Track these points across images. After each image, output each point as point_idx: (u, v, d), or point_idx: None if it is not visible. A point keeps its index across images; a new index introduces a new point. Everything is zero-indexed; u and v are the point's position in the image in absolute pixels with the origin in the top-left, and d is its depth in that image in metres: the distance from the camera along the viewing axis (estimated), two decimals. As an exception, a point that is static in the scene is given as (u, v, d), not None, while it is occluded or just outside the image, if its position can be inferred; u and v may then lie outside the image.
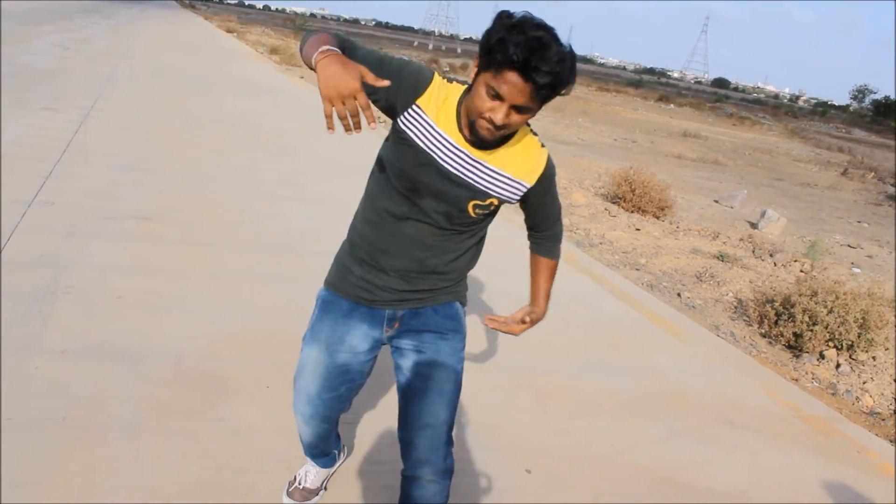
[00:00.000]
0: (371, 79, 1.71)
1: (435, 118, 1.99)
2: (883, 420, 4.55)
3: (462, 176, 2.01)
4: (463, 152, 2.00)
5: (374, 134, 11.99)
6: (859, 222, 16.01)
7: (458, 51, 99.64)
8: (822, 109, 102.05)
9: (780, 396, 4.42)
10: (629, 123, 31.70)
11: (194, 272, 4.75)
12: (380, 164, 2.14)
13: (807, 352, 5.31)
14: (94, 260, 4.63)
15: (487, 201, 2.06)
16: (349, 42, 1.99)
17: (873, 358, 5.41)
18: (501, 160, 2.03)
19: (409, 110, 2.00)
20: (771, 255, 8.37)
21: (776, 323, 5.49)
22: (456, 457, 3.10)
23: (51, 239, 4.79)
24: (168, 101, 11.98)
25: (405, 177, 2.03)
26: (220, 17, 58.60)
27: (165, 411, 3.16)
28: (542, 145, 2.11)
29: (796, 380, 4.89)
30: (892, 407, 4.85)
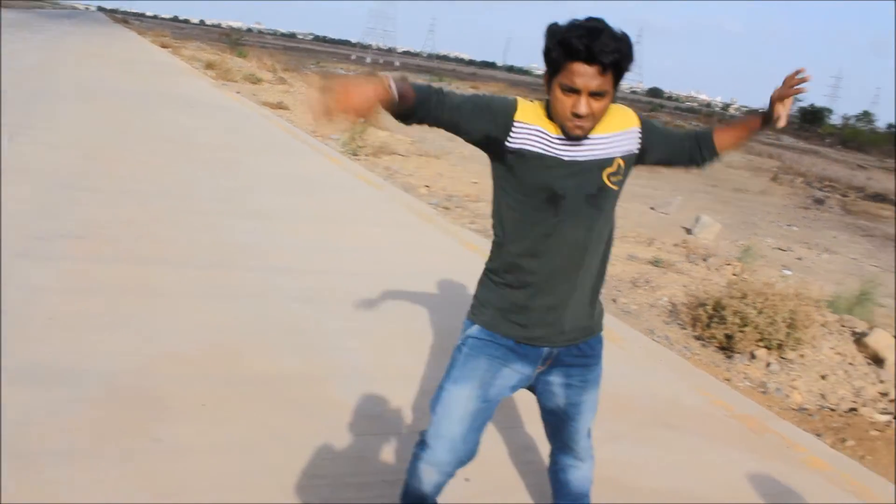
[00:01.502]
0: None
1: (538, 124, 2.11)
2: (811, 415, 4.70)
3: (585, 157, 2.12)
4: (571, 141, 2.10)
5: (310, 151, 11.97)
6: (789, 226, 16.48)
7: (396, 64, 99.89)
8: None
9: (713, 396, 4.54)
10: (566, 133, 32.07)
11: (129, 290, 4.68)
12: (502, 201, 2.22)
13: (738, 352, 5.46)
14: (26, 281, 4.54)
15: (615, 164, 2.16)
16: (435, 91, 2.07)
17: (801, 356, 5.58)
18: (602, 127, 2.13)
19: (512, 128, 2.10)
20: (704, 260, 8.58)
21: (708, 325, 5.64)
22: (394, 466, 3.14)
23: (-22, 261, 4.68)
24: (102, 117, 11.77)
25: (539, 186, 2.12)
26: (154, 31, 57.83)
27: (100, 434, 3.11)
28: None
29: (729, 380, 5.02)
30: (819, 402, 5.01)
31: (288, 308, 4.83)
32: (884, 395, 5.32)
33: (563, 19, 2.04)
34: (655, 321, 5.95)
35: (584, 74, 1.95)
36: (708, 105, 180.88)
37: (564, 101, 2.01)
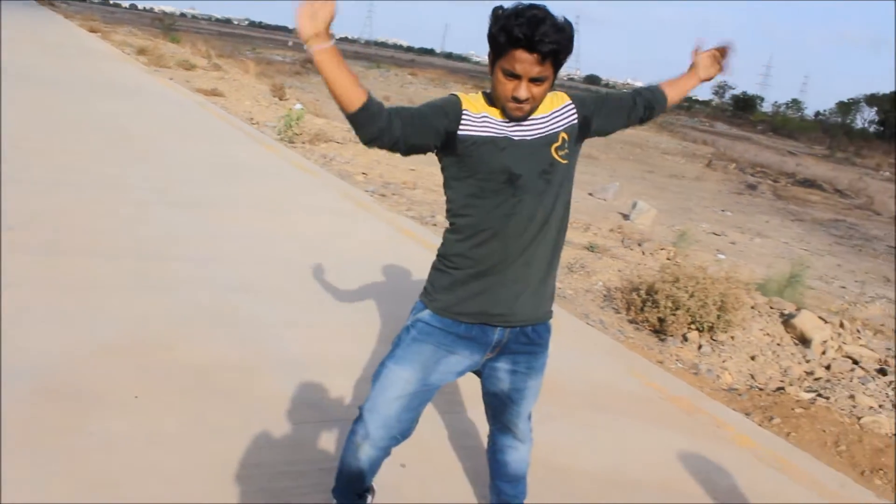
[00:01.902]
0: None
1: (484, 111, 2.22)
2: (740, 395, 4.84)
3: (532, 136, 2.23)
4: (517, 122, 2.22)
5: (245, 138, 11.81)
6: (723, 211, 16.86)
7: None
8: (688, 104, 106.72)
9: (646, 379, 4.65)
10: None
11: (61, 283, 4.59)
12: (457, 191, 2.27)
13: (671, 335, 5.59)
14: (-52, 275, 4.40)
15: (560, 138, 2.26)
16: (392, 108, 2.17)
17: (732, 338, 5.74)
18: (540, 110, 2.26)
19: (462, 120, 2.19)
20: (639, 245, 8.74)
21: (642, 309, 5.76)
22: (330, 454, 3.15)
23: None
24: (27, 105, 11.41)
25: (498, 168, 2.19)
26: (83, 15, 56.12)
27: (31, 429, 3.05)
28: None
29: (661, 362, 5.14)
30: (749, 382, 5.17)
31: (223, 298, 4.78)
32: (809, 374, 5.51)
33: (508, 2, 2.11)
34: (590, 306, 6.05)
35: (525, 61, 2.05)
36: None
37: (506, 85, 2.11)
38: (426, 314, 2.35)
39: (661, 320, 5.62)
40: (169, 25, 48.25)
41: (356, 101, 2.04)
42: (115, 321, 4.18)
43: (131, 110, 12.72)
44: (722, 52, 2.69)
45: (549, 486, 3.28)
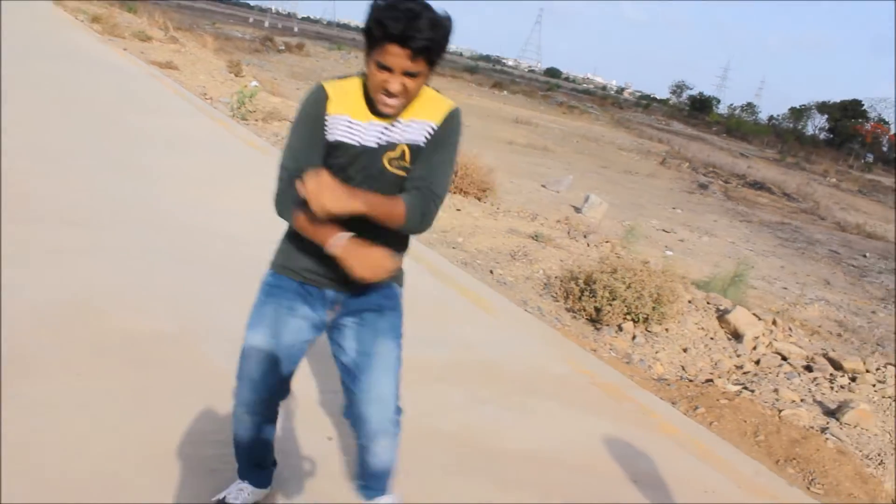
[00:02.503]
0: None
1: (344, 113, 2.19)
2: (669, 385, 4.97)
3: (377, 141, 2.20)
4: (378, 124, 2.19)
5: (198, 113, 11.68)
6: (674, 209, 17.15)
7: (295, 29, 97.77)
8: (646, 102, 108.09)
9: (578, 366, 4.74)
10: (463, 108, 32.14)
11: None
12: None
13: (606, 325, 5.70)
14: None
15: (398, 150, 2.21)
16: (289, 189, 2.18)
17: (666, 330, 5.88)
18: (411, 113, 2.21)
19: (326, 123, 2.19)
20: (585, 237, 8.85)
21: (580, 298, 5.86)
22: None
23: None
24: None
25: (337, 167, 2.17)
26: (38, -20, 54.63)
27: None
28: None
29: (595, 350, 5.24)
30: (679, 374, 5.30)
31: (166, 269, 4.76)
32: (738, 367, 5.67)
33: None
34: (530, 293, 6.14)
35: (398, 55, 2.01)
36: (603, 88, 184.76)
37: (378, 77, 2.07)
38: (267, 273, 2.42)
39: (597, 310, 5.72)
40: (125, -6, 47.18)
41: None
42: (52, 286, 4.14)
43: (82, 78, 12.48)
44: None
45: (474, 465, 3.35)
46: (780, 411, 4.73)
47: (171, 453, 2.94)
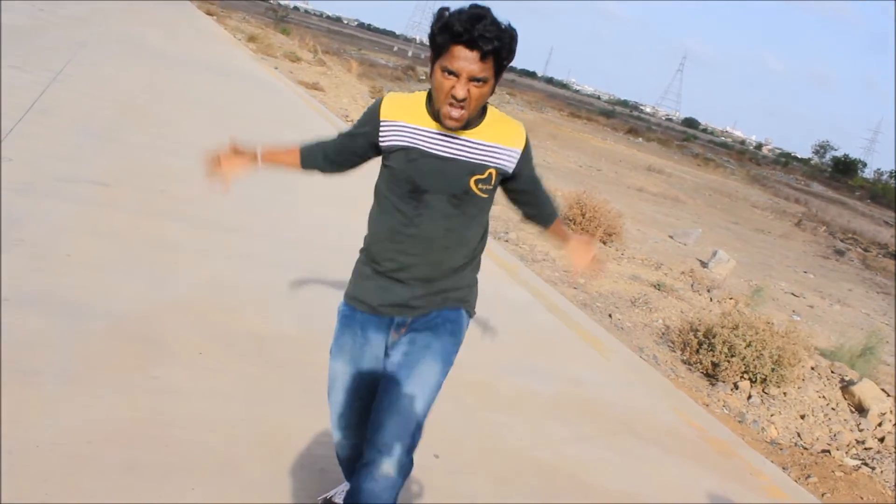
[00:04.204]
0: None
1: (405, 119, 2.21)
2: (781, 450, 4.83)
3: (454, 154, 2.20)
4: (447, 135, 2.19)
5: (330, 128, 12.14)
6: (806, 272, 16.50)
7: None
8: (785, 160, 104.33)
9: (688, 417, 4.68)
10: (596, 152, 32.21)
11: (143, 239, 4.89)
12: (378, 188, 2.32)
13: (722, 381, 5.59)
14: (48, 218, 4.75)
15: (486, 173, 2.22)
16: (314, 144, 2.50)
17: (784, 393, 5.70)
18: (485, 134, 2.22)
19: (381, 129, 2.23)
20: (708, 291, 8.68)
21: (697, 351, 5.77)
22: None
23: (4, 194, 4.88)
24: (138, 73, 12.02)
25: (403, 178, 2.21)
26: (203, -2, 58.24)
27: (101, 364, 3.30)
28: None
29: (707, 405, 5.15)
30: (794, 440, 5.14)
31: (289, 276, 5.01)
32: (860, 442, 5.43)
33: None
34: (647, 340, 6.09)
35: (465, 58, 2.01)
36: (742, 143, 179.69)
37: (444, 84, 2.06)
38: (341, 303, 2.45)
39: (714, 364, 5.62)
40: (281, 17, 49.75)
41: (294, 166, 2.50)
42: (189, 283, 4.44)
43: (234, 92, 13.25)
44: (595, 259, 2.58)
45: (570, 499, 3.37)
46: (900, 492, 4.53)
47: (285, 448, 3.10)
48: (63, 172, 5.73)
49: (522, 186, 2.39)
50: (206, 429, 3.06)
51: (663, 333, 6.31)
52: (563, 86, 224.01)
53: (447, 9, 2.05)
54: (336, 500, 2.78)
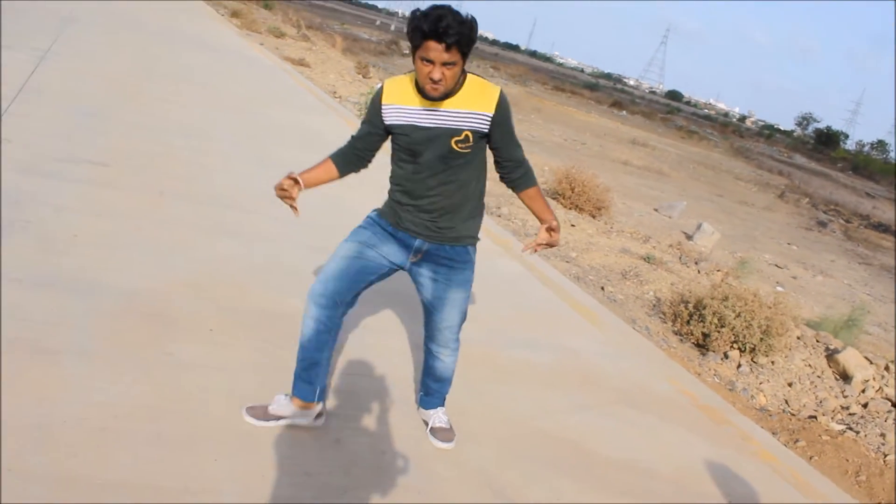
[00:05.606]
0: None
1: (400, 102, 2.87)
2: (770, 416, 4.99)
3: (438, 124, 2.83)
4: (432, 109, 2.82)
5: (327, 110, 12.18)
6: (789, 244, 16.72)
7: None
8: (768, 132, 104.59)
9: (681, 386, 4.83)
10: (581, 125, 32.30)
11: (147, 218, 4.97)
12: (392, 153, 3.00)
13: (712, 351, 5.75)
14: (51, 199, 4.81)
15: (463, 135, 2.84)
16: (341, 151, 3.14)
17: (772, 362, 5.87)
18: (462, 103, 2.83)
19: (383, 112, 2.91)
20: (696, 263, 8.85)
21: (688, 322, 5.92)
22: (377, 403, 3.44)
23: (6, 175, 4.94)
24: (126, 50, 11.99)
25: (404, 146, 2.91)
26: (184, -28, 57.42)
27: (118, 341, 3.40)
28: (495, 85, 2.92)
29: (699, 374, 5.31)
30: (782, 406, 5.31)
31: (297, 254, 5.10)
32: (844, 408, 5.61)
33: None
34: (639, 312, 6.24)
35: (435, 49, 2.62)
36: (726, 115, 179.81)
37: (423, 70, 2.69)
38: (373, 212, 3.14)
39: (704, 335, 5.78)
40: (264, -9, 49.12)
41: (333, 176, 3.10)
42: (196, 260, 4.53)
43: (222, 68, 13.24)
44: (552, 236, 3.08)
45: (570, 465, 3.51)
46: (885, 455, 4.70)
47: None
48: (61, 152, 5.78)
49: (496, 143, 2.97)
50: (222, 402, 3.17)
51: (654, 305, 6.46)
52: (547, 59, 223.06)
53: (418, 9, 2.65)
54: (273, 411, 3.10)
